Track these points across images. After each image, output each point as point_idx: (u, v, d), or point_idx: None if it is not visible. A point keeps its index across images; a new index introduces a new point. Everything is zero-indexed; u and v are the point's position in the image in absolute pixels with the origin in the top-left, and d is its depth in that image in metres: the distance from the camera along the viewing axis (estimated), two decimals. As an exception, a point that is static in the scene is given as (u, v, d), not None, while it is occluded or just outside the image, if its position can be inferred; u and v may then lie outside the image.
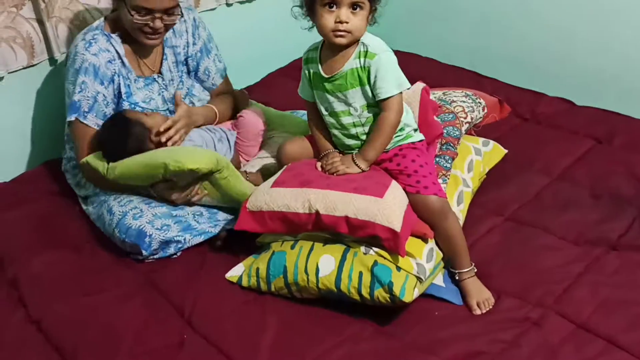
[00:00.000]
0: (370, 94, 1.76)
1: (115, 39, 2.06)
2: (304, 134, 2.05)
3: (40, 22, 2.23)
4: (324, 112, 1.85)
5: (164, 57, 2.17)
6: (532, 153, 2.27)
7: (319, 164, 1.84)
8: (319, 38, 1.82)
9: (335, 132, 1.85)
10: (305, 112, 2.42)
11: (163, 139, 1.99)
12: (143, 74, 2.13)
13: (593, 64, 2.68)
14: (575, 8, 2.66)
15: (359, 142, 1.83)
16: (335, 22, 1.69)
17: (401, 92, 1.76)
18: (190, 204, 1.96)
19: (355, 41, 1.74)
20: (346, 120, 1.81)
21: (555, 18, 2.73)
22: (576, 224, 1.95)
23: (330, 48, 1.77)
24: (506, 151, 2.19)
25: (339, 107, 1.80)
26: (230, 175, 1.91)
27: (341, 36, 1.71)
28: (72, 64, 2.02)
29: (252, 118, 2.20)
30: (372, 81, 1.74)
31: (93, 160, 1.99)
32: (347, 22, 1.68)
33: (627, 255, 1.83)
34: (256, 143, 2.21)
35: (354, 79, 1.75)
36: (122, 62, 2.07)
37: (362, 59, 1.73)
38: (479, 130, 2.32)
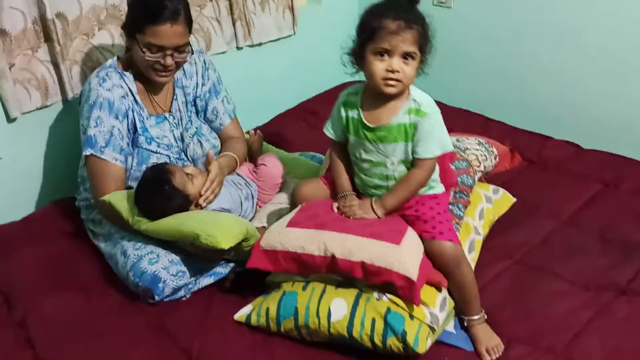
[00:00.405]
0: (410, 149, 1.74)
1: (128, 76, 2.10)
2: (313, 177, 2.06)
3: (55, 65, 2.27)
4: (356, 156, 1.82)
5: (175, 96, 2.20)
6: (540, 197, 2.28)
7: (335, 205, 1.83)
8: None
9: (362, 176, 1.83)
10: (313, 154, 2.47)
11: (202, 203, 2.00)
12: (155, 112, 2.16)
13: (600, 112, 2.71)
14: (583, 57, 2.69)
15: (383, 191, 1.82)
16: (387, 71, 1.65)
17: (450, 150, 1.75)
18: (210, 259, 1.94)
19: (403, 91, 1.71)
20: (378, 170, 1.79)
21: (562, 66, 2.76)
22: (585, 268, 1.95)
23: (375, 96, 1.73)
24: (515, 200, 2.19)
25: (375, 157, 1.78)
26: (254, 241, 1.88)
27: (391, 85, 1.67)
28: (87, 100, 2.05)
29: (275, 170, 2.22)
30: (416, 138, 1.72)
31: (117, 201, 1.96)
32: (398, 72, 1.65)
33: (637, 300, 1.83)
34: (274, 192, 2.23)
35: (400, 134, 1.73)
36: (135, 99, 2.10)
37: (412, 116, 1.71)
38: (489, 177, 2.33)
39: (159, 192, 1.93)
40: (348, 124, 1.81)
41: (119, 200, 1.97)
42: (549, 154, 2.56)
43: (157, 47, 1.98)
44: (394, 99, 1.72)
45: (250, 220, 2.10)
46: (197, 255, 1.93)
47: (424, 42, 1.67)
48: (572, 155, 2.55)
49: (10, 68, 2.18)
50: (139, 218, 1.93)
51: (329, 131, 1.88)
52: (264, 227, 2.06)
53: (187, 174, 2.00)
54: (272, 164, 2.24)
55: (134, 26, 2.00)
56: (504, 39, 2.90)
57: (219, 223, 1.88)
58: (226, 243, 1.80)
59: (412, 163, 1.76)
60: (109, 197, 1.99)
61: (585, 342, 1.70)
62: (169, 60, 2.01)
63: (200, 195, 2.01)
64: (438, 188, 1.84)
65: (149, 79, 2.08)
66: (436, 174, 1.84)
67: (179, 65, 2.08)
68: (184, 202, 1.96)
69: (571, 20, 2.68)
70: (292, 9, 2.94)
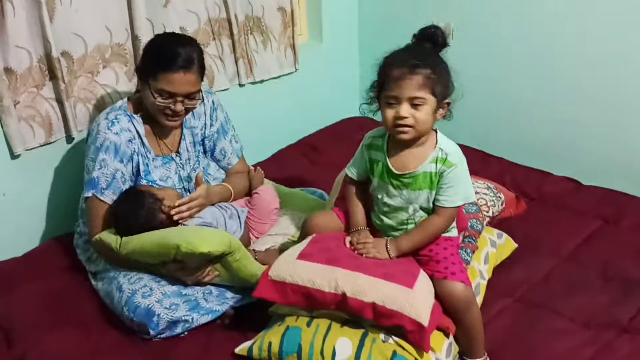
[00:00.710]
0: (432, 197, 1.73)
1: (137, 119, 2.12)
2: (313, 211, 2.07)
3: (60, 102, 2.30)
4: (378, 198, 1.81)
5: (183, 137, 2.22)
6: (540, 233, 2.28)
7: (348, 240, 1.81)
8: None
9: (382, 217, 1.82)
10: (314, 189, 2.48)
11: (173, 213, 2.01)
12: (162, 153, 2.18)
13: (599, 148, 2.72)
14: (580, 94, 2.72)
15: (400, 233, 1.81)
16: (395, 118, 1.65)
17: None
18: (201, 283, 1.97)
19: (421, 136, 1.70)
20: (400, 214, 1.79)
21: (562, 105, 2.78)
22: (586, 306, 1.95)
23: (398, 142, 1.73)
24: (516, 245, 2.18)
25: (398, 202, 1.77)
26: (242, 257, 1.92)
27: (403, 132, 1.66)
28: (94, 142, 2.07)
29: (267, 196, 2.24)
30: (440, 186, 1.71)
31: (106, 236, 2.01)
32: (407, 117, 1.64)
33: (639, 339, 1.81)
34: (269, 221, 2.24)
35: (426, 182, 1.72)
36: (142, 141, 2.12)
37: (439, 165, 1.70)
38: (492, 221, 2.33)
39: (127, 201, 2.00)
40: (372, 166, 1.80)
41: (107, 234, 2.02)
42: (549, 190, 2.57)
43: (169, 93, 2.01)
44: (420, 145, 1.72)
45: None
46: (188, 280, 1.94)
47: (434, 85, 1.64)
48: (572, 191, 2.56)
49: (15, 105, 2.20)
50: (125, 240, 1.96)
51: (350, 172, 1.88)
52: (266, 249, 2.08)
53: (155, 188, 2.08)
54: (265, 191, 2.26)
55: (147, 71, 2.03)
56: (502, 78, 2.93)
57: (199, 233, 1.93)
58: (205, 247, 1.83)
59: (432, 209, 1.75)
60: (100, 235, 2.03)
61: (587, 381, 1.69)
62: (179, 107, 2.04)
63: (174, 207, 2.01)
64: (453, 232, 1.84)
65: (158, 122, 2.11)
66: (455, 221, 1.83)
67: (188, 111, 2.10)
68: (152, 201, 2.00)
69: (569, 59, 2.71)
70: (293, 47, 2.98)
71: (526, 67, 2.85)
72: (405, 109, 1.64)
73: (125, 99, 2.17)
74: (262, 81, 2.92)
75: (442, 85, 1.67)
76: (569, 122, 2.79)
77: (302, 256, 1.75)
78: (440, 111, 1.70)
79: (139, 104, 2.14)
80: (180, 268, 1.94)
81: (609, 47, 2.58)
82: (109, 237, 2.00)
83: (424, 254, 1.78)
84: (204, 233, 1.94)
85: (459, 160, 1.72)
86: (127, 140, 2.08)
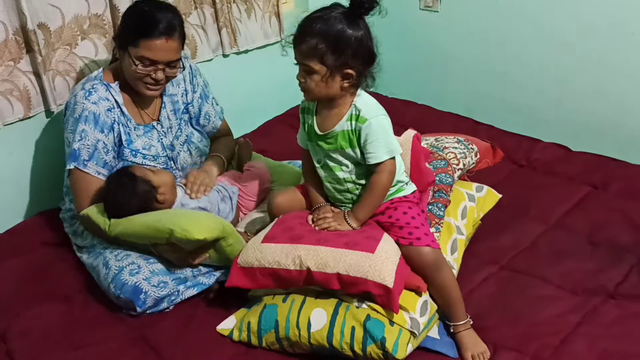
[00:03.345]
0: (360, 155, 1.75)
1: (114, 88, 2.08)
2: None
3: (37, 75, 2.26)
4: (317, 165, 1.84)
5: (163, 105, 2.19)
6: (528, 200, 2.26)
7: (310, 217, 1.82)
8: None
9: (328, 185, 1.85)
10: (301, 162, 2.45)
11: (196, 196, 2.04)
12: (143, 122, 2.14)
13: (589, 111, 2.69)
14: (571, 55, 2.68)
15: (350, 196, 1.82)
16: (299, 82, 1.74)
17: (394, 157, 1.75)
18: (190, 265, 1.94)
19: (327, 99, 1.74)
20: (339, 174, 1.80)
21: (551, 65, 2.75)
22: (573, 272, 1.93)
23: (322, 104, 1.78)
24: (500, 196, 2.17)
25: (330, 162, 1.80)
26: (234, 242, 1.89)
27: (304, 93, 1.75)
28: (72, 113, 2.03)
29: (260, 175, 2.21)
30: (362, 145, 1.73)
31: (94, 213, 1.97)
32: (302, 81, 1.72)
33: (626, 304, 1.81)
34: (259, 199, 2.22)
35: (345, 141, 1.75)
36: (121, 110, 2.08)
37: (353, 122, 1.73)
38: (473, 175, 2.32)
39: (121, 183, 1.95)
40: (307, 131, 1.83)
41: (96, 212, 1.97)
42: (538, 156, 2.54)
43: (150, 61, 1.97)
44: (338, 106, 1.74)
45: (231, 223, 2.07)
46: (177, 261, 1.92)
47: (323, 55, 1.66)
48: (561, 157, 2.53)
49: (-9, 79, 2.16)
50: (114, 221, 1.92)
51: (299, 140, 1.91)
52: (246, 232, 2.05)
53: (149, 169, 2.02)
54: (259, 168, 2.23)
55: (126, 38, 1.99)
56: (491, 42, 2.89)
57: (193, 218, 1.90)
58: (199, 234, 1.81)
59: (370, 169, 1.76)
60: (87, 210, 1.99)
61: (573, 347, 1.68)
62: (160, 75, 2.00)
63: (193, 189, 2.04)
64: (407, 188, 1.84)
65: (137, 91, 2.07)
66: (401, 175, 1.83)
67: (168, 79, 2.07)
68: (148, 189, 1.96)
69: (558, 21, 2.67)
70: (278, 15, 2.93)
71: (514, 31, 2.81)
72: (300, 74, 1.72)
73: (101, 69, 2.13)
74: (246, 51, 2.87)
75: (335, 56, 1.66)
76: (559, 86, 2.75)
77: (266, 239, 1.77)
78: (346, 81, 1.69)
79: (116, 73, 2.10)
80: (171, 250, 1.91)
81: (600, 8, 2.54)
82: (97, 217, 1.95)
83: (384, 221, 1.78)
84: (198, 218, 1.90)
85: (373, 115, 1.72)
86: (106, 109, 2.04)
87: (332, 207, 1.84)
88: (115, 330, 1.82)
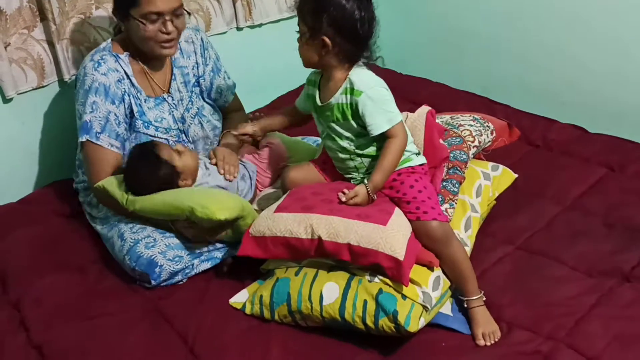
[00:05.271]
0: (357, 126, 1.77)
1: (124, 59, 2.06)
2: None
3: (51, 44, 2.24)
4: (321, 135, 1.88)
5: (173, 77, 2.17)
6: (544, 181, 2.23)
7: (341, 194, 1.75)
8: None
9: (331, 154, 1.87)
10: (315, 138, 2.43)
11: (231, 178, 2.04)
12: (153, 94, 2.13)
13: (607, 92, 2.65)
14: (590, 35, 2.64)
15: (353, 164, 1.83)
16: None
17: (401, 120, 1.76)
18: (206, 241, 1.93)
19: (313, 67, 1.80)
20: (340, 143, 1.81)
21: (569, 46, 2.71)
22: (588, 254, 1.91)
23: (323, 77, 1.82)
24: (516, 175, 2.15)
25: (331, 133, 1.82)
26: (252, 221, 1.86)
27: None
28: (82, 85, 2.02)
29: (278, 151, 2.20)
30: (362, 118, 1.74)
31: (111, 186, 1.94)
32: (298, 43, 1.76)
33: (641, 286, 1.79)
34: (275, 175, 2.20)
35: (339, 113, 1.77)
36: (131, 82, 2.07)
37: (348, 96, 1.74)
38: (489, 154, 2.29)
39: (145, 162, 1.93)
40: (310, 102, 1.86)
41: (113, 184, 1.95)
42: (554, 137, 2.51)
43: (156, 14, 1.95)
44: (334, 79, 1.77)
45: (249, 202, 2.07)
46: (193, 238, 1.91)
47: (305, 16, 1.71)
48: (577, 138, 2.50)
49: (5, 47, 2.15)
50: (133, 198, 1.91)
51: (296, 102, 1.98)
52: (261, 210, 2.03)
53: (175, 150, 1.99)
54: (276, 145, 2.22)
55: (125, 3, 1.96)
56: (509, 20, 2.85)
57: (213, 197, 1.89)
58: (221, 214, 1.80)
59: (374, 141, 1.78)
60: (103, 182, 1.97)
61: (587, 328, 1.67)
62: (170, 26, 1.98)
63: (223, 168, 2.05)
64: (416, 160, 1.83)
65: (151, 55, 2.05)
66: (410, 145, 1.82)
67: (179, 31, 2.04)
68: (170, 173, 1.94)
69: (578, 0, 2.62)
70: (293, -11, 2.89)
71: (534, 10, 2.76)
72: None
73: (109, 40, 2.11)
74: (260, 25, 2.84)
75: (312, 17, 1.70)
76: (577, 67, 2.71)
77: (279, 209, 1.76)
78: (324, 49, 1.71)
79: (124, 45, 2.07)
80: (188, 227, 1.90)
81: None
82: (114, 189, 1.94)
83: (393, 195, 1.79)
84: (218, 197, 1.89)
85: (367, 86, 1.73)
86: (116, 80, 2.02)
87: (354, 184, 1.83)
88: (129, 301, 1.83)
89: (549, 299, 1.76)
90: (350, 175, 1.86)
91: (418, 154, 1.86)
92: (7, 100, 2.22)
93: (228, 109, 2.35)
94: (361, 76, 1.76)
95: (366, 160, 1.81)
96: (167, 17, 1.97)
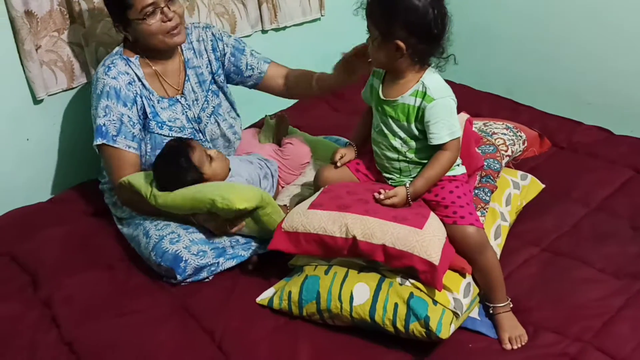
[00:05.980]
0: (415, 131, 1.75)
1: (134, 62, 2.09)
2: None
3: (81, 47, 2.28)
4: (374, 129, 1.84)
5: (187, 77, 2.19)
6: (570, 183, 2.22)
7: (377, 194, 1.75)
8: None
9: (377, 150, 1.84)
10: (337, 137, 2.45)
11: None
12: (166, 95, 2.15)
13: (633, 93, 2.64)
14: (616, 36, 2.63)
15: (398, 166, 1.81)
16: None
17: (460, 137, 1.74)
18: (228, 233, 1.96)
19: (384, 68, 1.77)
20: (392, 142, 1.79)
21: (594, 46, 2.70)
22: (616, 256, 1.91)
23: (390, 73, 1.78)
24: (543, 186, 2.14)
25: (386, 129, 1.79)
26: (272, 212, 1.91)
27: None
28: (95, 90, 2.06)
29: (301, 148, 2.21)
30: (425, 124, 1.72)
31: (136, 180, 1.99)
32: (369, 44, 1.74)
33: (669, 289, 1.78)
34: (298, 173, 2.22)
35: (404, 114, 1.74)
36: (142, 84, 2.10)
37: (418, 99, 1.71)
38: (517, 163, 2.29)
39: (175, 162, 1.96)
40: (372, 93, 1.84)
41: (138, 178, 2.00)
42: (580, 139, 2.50)
43: (150, 5, 1.97)
44: (405, 78, 1.74)
45: None
46: (215, 230, 1.94)
47: (378, 21, 1.67)
48: (603, 140, 2.48)
49: (36, 49, 2.19)
50: (156, 193, 1.94)
51: (362, 95, 1.92)
52: (285, 205, 2.05)
53: (208, 155, 2.00)
54: (299, 144, 2.23)
55: (120, 8, 2.00)
56: (533, 21, 2.84)
57: (233, 188, 1.92)
58: (241, 204, 1.83)
59: (426, 145, 1.76)
60: (129, 177, 2.01)
61: (615, 330, 1.66)
62: (169, 13, 2.00)
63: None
64: (457, 169, 1.82)
65: (164, 49, 2.07)
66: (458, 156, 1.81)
67: (180, 16, 2.06)
68: (197, 179, 1.97)
69: (604, 0, 2.61)
70: (319, -9, 2.91)
71: (559, 10, 2.75)
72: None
73: (121, 45, 2.14)
74: (284, 28, 2.86)
75: (384, 22, 1.66)
76: (603, 67, 2.70)
77: (313, 206, 1.76)
78: (398, 52, 1.68)
79: (134, 48, 2.11)
80: (210, 219, 1.93)
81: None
82: (139, 182, 1.98)
83: (431, 199, 1.78)
84: (237, 188, 1.93)
85: (440, 96, 1.71)
86: (127, 83, 2.06)
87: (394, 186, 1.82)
88: (158, 299, 1.85)
89: (576, 301, 1.76)
90: (389, 175, 1.85)
91: (459, 164, 1.84)
92: (37, 102, 2.26)
93: (270, 77, 2.27)
94: (435, 82, 1.73)
95: (412, 165, 1.80)
96: (162, 4, 1.99)
